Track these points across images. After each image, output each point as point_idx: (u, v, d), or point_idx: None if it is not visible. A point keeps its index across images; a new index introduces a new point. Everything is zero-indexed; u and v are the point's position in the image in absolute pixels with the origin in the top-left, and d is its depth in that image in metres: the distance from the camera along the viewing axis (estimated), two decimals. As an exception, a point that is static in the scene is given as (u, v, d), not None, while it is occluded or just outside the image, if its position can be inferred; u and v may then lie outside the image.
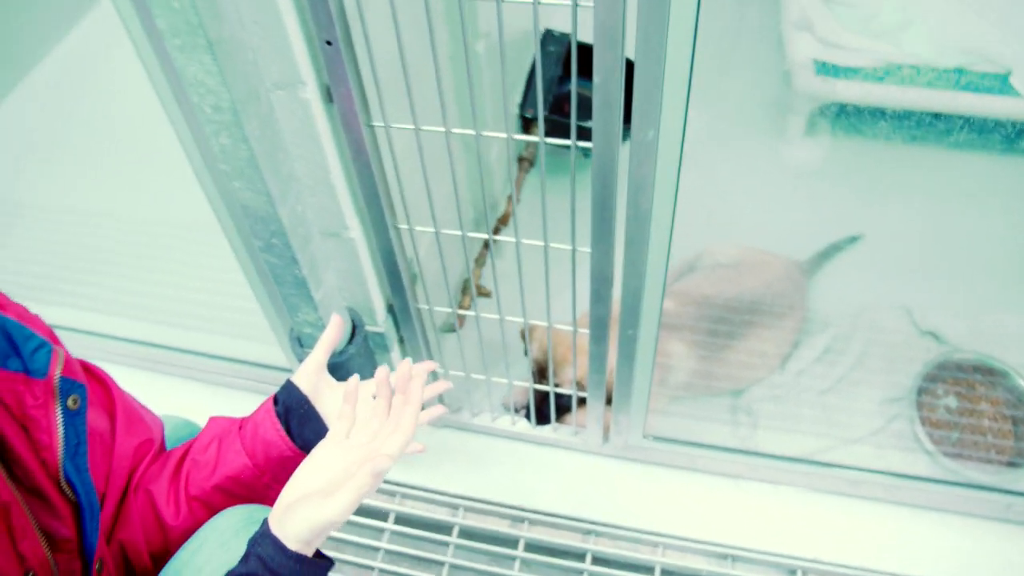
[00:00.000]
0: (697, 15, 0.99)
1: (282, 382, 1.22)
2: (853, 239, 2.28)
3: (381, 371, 1.16)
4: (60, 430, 0.98)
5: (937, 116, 2.46)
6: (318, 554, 1.00)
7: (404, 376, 1.18)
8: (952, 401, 1.93)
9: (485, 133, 1.24)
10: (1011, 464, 1.83)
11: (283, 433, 1.16)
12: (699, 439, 1.82)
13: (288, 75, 1.17)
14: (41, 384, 0.95)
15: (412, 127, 1.24)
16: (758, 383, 2.00)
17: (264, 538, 0.96)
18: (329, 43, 1.14)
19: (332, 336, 1.28)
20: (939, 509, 1.75)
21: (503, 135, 1.23)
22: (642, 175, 1.19)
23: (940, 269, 2.24)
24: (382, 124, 1.25)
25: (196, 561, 1.04)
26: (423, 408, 1.20)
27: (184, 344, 2.05)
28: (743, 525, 1.77)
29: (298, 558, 0.95)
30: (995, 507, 1.71)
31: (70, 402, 1.00)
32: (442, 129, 1.23)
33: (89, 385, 1.07)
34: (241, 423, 1.20)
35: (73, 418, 1.00)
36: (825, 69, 2.44)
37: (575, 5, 1.04)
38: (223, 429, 1.20)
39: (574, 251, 1.35)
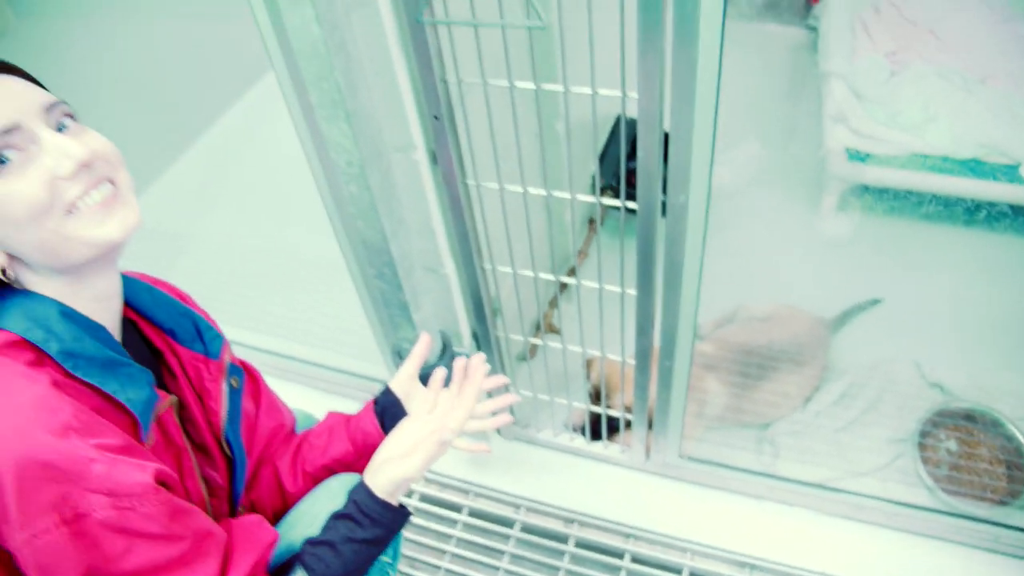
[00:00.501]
0: (716, 111, 1.13)
1: (380, 390, 1.39)
2: (874, 302, 2.34)
3: (458, 363, 1.32)
4: (225, 401, 1.15)
5: (953, 199, 2.53)
6: (400, 506, 1.16)
7: (468, 365, 1.33)
8: (952, 445, 1.97)
9: (555, 193, 1.40)
10: (1002, 503, 1.86)
11: (378, 427, 1.31)
12: (728, 462, 1.89)
13: (404, 141, 1.35)
14: (215, 364, 1.14)
15: (497, 186, 1.41)
16: (781, 419, 2.06)
17: (359, 488, 1.13)
18: (436, 118, 1.31)
19: (421, 351, 1.41)
20: (934, 537, 1.78)
21: (567, 195, 1.39)
22: (676, 231, 1.32)
23: (949, 331, 2.28)
24: (474, 183, 1.42)
25: (312, 510, 1.20)
26: (494, 415, 1.36)
27: (308, 357, 2.22)
28: (762, 538, 1.82)
29: (383, 503, 1.12)
30: (985, 537, 1.74)
31: (233, 382, 1.18)
32: (520, 189, 1.40)
33: (244, 375, 1.26)
34: (348, 418, 1.35)
35: (234, 394, 1.18)
36: (856, 156, 2.53)
37: (624, 96, 1.20)
38: (335, 421, 1.35)
39: (623, 294, 1.50)
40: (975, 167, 2.47)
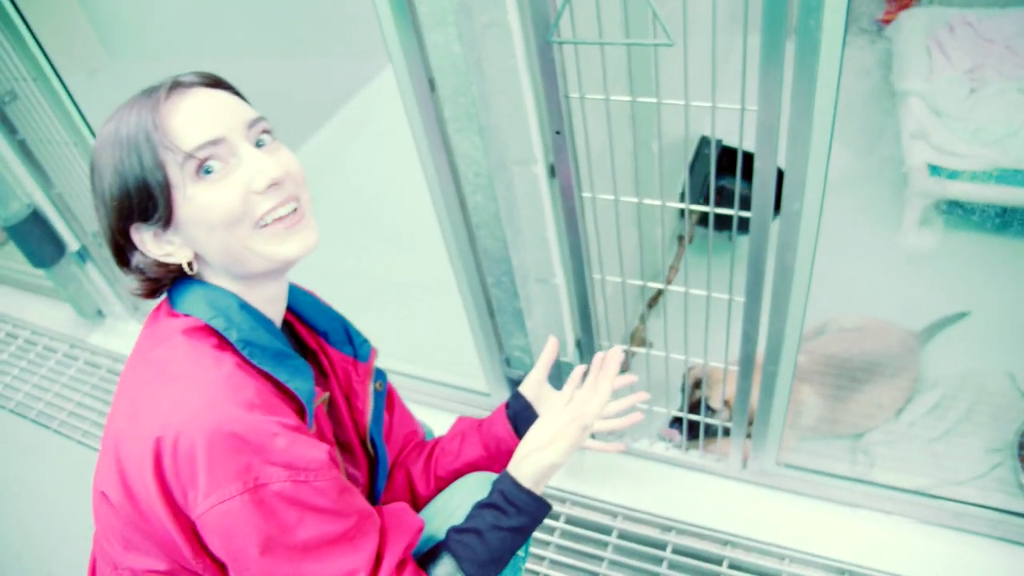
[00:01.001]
0: (833, 119, 1.19)
1: (482, 403, 1.43)
2: (961, 315, 2.35)
3: (596, 357, 1.36)
4: (371, 402, 1.22)
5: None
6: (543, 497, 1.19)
7: (605, 357, 1.35)
8: (1052, 454, 1.98)
9: (669, 204, 1.46)
10: (1104, 512, 1.86)
11: (511, 431, 1.34)
12: (824, 470, 1.92)
13: (526, 154, 1.42)
14: (363, 367, 1.21)
15: (612, 198, 1.48)
16: (875, 429, 2.08)
17: (505, 478, 1.17)
18: (558, 132, 1.38)
19: (550, 354, 1.41)
20: (1038, 546, 1.79)
21: (681, 205, 1.45)
22: (788, 238, 1.37)
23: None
24: (590, 195, 1.49)
25: (449, 505, 1.25)
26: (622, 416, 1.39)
27: (415, 372, 2.30)
28: (858, 546, 1.82)
29: (529, 492, 1.15)
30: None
31: (377, 385, 1.25)
32: (635, 199, 1.46)
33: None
34: (480, 423, 1.38)
35: (379, 397, 1.25)
36: (938, 171, 2.56)
37: (743, 109, 1.26)
38: (466, 427, 1.38)
39: (731, 300, 1.55)
40: (1060, 181, 2.48)
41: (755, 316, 1.54)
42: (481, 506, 1.16)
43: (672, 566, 1.88)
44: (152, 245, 0.96)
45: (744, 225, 1.37)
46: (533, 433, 1.22)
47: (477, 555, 1.11)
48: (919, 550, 1.82)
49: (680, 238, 2.37)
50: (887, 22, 3.29)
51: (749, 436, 1.85)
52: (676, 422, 1.98)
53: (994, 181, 2.52)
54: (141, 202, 0.91)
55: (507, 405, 1.39)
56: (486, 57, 1.27)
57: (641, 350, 1.83)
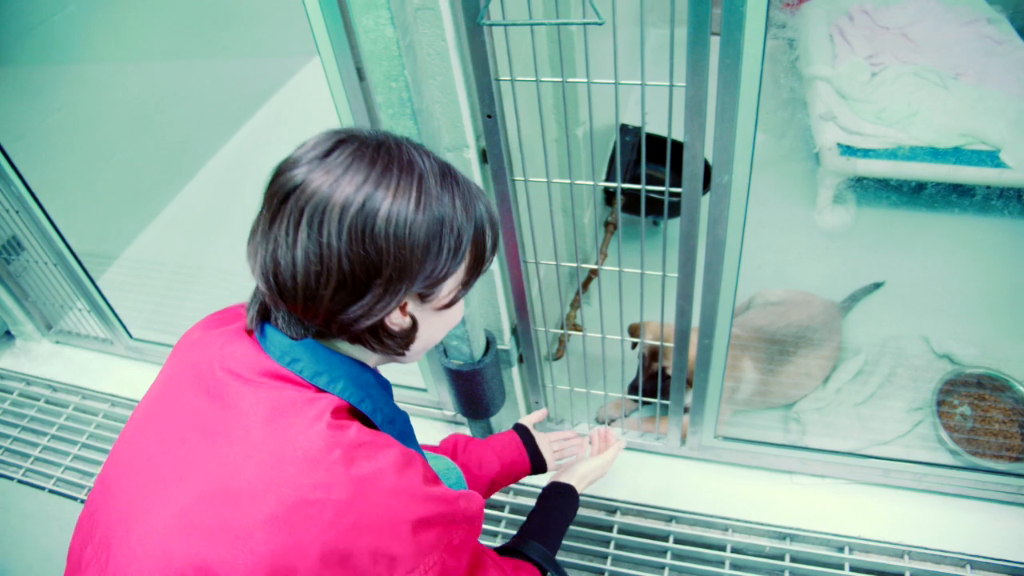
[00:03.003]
0: (759, 93, 1.23)
1: (419, 399, 1.54)
2: (877, 285, 2.45)
3: (597, 431, 1.74)
4: None
5: (941, 186, 2.66)
6: None
7: (603, 432, 1.74)
8: (967, 409, 2.07)
9: (600, 183, 1.48)
10: (1018, 459, 1.96)
11: (525, 453, 1.60)
12: (759, 438, 1.97)
13: (458, 140, 1.42)
14: None
15: (544, 180, 1.49)
16: (804, 398, 2.15)
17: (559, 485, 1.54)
18: (490, 116, 1.39)
19: (539, 416, 1.74)
20: (961, 495, 1.86)
21: (613, 184, 1.47)
22: (719, 210, 1.40)
23: (949, 306, 2.40)
24: (522, 178, 1.50)
25: None
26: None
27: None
28: (798, 510, 1.88)
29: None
30: (1009, 490, 1.81)
31: None
32: (567, 181, 1.48)
33: None
34: (490, 444, 1.58)
35: None
36: (846, 151, 2.66)
37: (671, 86, 1.28)
38: (477, 447, 1.56)
39: (664, 276, 1.57)
40: (958, 155, 2.60)
41: (688, 290, 1.57)
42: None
43: (619, 546, 1.91)
44: (399, 313, 0.93)
45: (672, 210, 1.40)
46: (585, 465, 1.63)
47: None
48: (853, 508, 1.88)
49: (607, 224, 2.40)
50: (793, 8, 3.41)
51: (686, 411, 1.89)
52: (632, 391, 2.00)
53: (898, 158, 2.63)
54: (436, 275, 0.91)
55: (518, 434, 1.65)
56: (418, 40, 1.27)
57: (577, 333, 1.84)
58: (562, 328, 2.25)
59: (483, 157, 1.47)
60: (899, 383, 2.15)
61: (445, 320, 1.00)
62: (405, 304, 0.92)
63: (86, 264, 2.39)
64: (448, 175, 0.91)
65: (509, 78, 1.34)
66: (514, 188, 1.51)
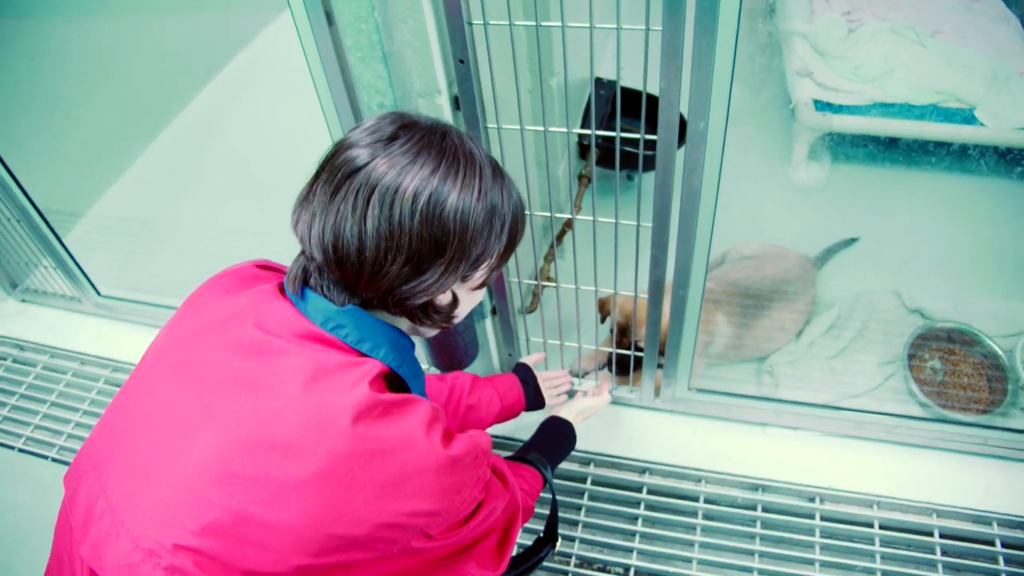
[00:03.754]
0: (736, 35, 1.21)
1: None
2: (852, 240, 2.46)
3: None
4: None
5: (917, 143, 2.67)
6: None
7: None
8: (937, 363, 2.10)
9: (575, 130, 1.47)
10: (985, 411, 1.99)
11: (522, 396, 1.71)
12: (733, 391, 1.99)
13: (430, 86, 1.40)
14: None
15: (518, 127, 1.47)
16: (778, 351, 2.16)
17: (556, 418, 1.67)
18: (462, 61, 1.37)
19: (538, 358, 1.88)
20: (930, 447, 1.89)
21: (587, 131, 1.46)
22: (694, 159, 1.39)
23: (922, 262, 2.42)
24: (495, 125, 1.48)
25: None
26: None
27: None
28: (770, 461, 1.91)
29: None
30: (976, 441, 1.85)
31: None
32: (541, 128, 1.46)
33: None
34: (493, 384, 1.67)
35: None
36: (823, 107, 2.66)
37: (647, 29, 1.27)
38: (480, 387, 1.65)
39: (638, 226, 1.57)
40: (934, 112, 2.61)
41: (664, 240, 1.56)
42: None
43: (592, 497, 1.92)
44: (446, 292, 1.01)
45: (647, 163, 1.39)
46: (582, 403, 1.78)
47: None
48: (825, 459, 1.91)
49: (581, 177, 2.39)
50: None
51: (660, 366, 1.90)
52: (606, 365, 2.00)
53: (874, 114, 2.63)
54: (483, 257, 0.99)
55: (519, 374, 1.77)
56: (387, -20, 1.24)
57: (551, 284, 1.84)
58: (536, 280, 2.25)
59: (455, 103, 1.45)
60: (871, 337, 2.17)
61: (475, 299, 1.09)
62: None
63: (52, 221, 2.34)
64: (496, 166, 1.01)
65: (482, 21, 1.32)
66: (487, 136, 1.49)
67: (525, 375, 1.79)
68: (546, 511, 1.48)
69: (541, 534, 1.47)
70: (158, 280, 2.67)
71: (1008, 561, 1.73)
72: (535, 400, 1.78)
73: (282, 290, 1.02)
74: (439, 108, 1.44)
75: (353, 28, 1.24)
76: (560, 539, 1.51)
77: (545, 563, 1.81)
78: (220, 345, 0.96)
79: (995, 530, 1.77)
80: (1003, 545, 1.75)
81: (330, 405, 0.88)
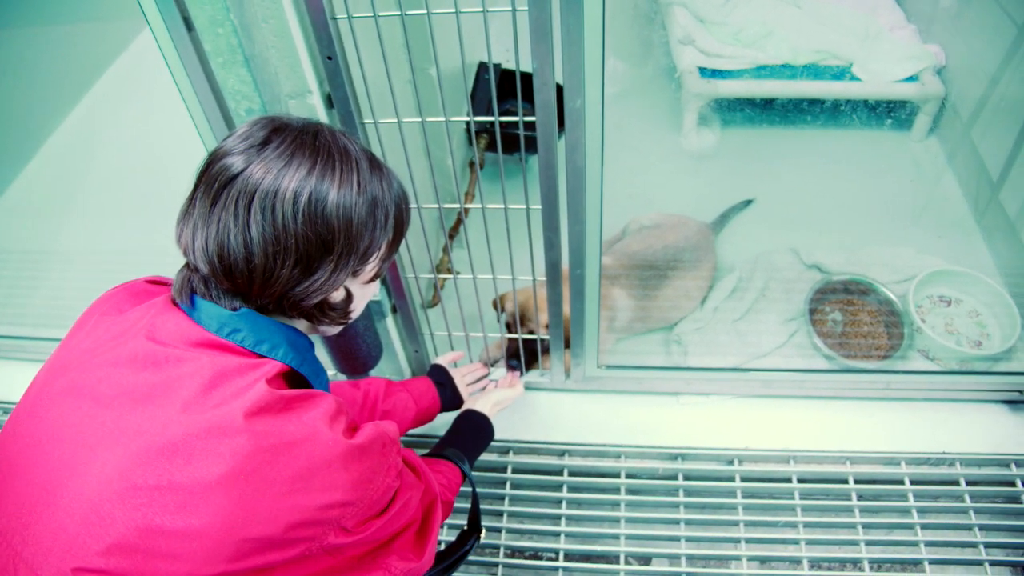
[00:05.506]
0: (603, 11, 1.22)
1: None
2: (747, 203, 2.52)
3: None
4: None
5: (798, 102, 2.75)
6: None
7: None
8: (837, 315, 2.17)
9: (453, 119, 1.46)
10: (886, 356, 2.07)
11: (437, 397, 1.74)
12: (642, 364, 2.02)
13: (299, 86, 1.37)
14: None
15: (395, 120, 1.45)
16: (684, 319, 2.21)
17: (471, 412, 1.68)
18: (330, 58, 1.34)
19: (455, 356, 1.90)
20: (836, 397, 1.97)
21: (464, 119, 1.45)
22: (575, 136, 1.40)
23: (815, 218, 2.50)
24: (372, 121, 1.46)
25: None
26: None
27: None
28: (686, 429, 1.94)
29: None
30: (879, 387, 1.93)
31: None
32: (418, 119, 1.45)
33: None
34: (406, 388, 1.69)
35: None
36: (707, 73, 2.71)
37: (514, 10, 1.26)
38: (394, 393, 1.67)
39: (528, 209, 1.57)
40: (814, 71, 2.69)
41: (554, 222, 1.56)
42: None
43: (515, 485, 1.93)
44: (339, 289, 1.03)
45: (530, 144, 1.39)
46: (496, 394, 1.79)
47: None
48: (739, 421, 1.96)
49: (471, 164, 2.38)
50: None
51: (567, 346, 1.91)
52: (514, 358, 2.01)
53: (758, 77, 2.70)
54: (370, 250, 1.01)
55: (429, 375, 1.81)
56: (241, -19, 1.20)
57: (448, 276, 1.83)
58: (434, 274, 2.24)
59: (328, 102, 1.42)
60: (773, 296, 2.23)
61: (368, 292, 1.11)
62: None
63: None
64: (373, 158, 1.02)
65: (346, 15, 1.29)
66: (365, 133, 1.47)
67: (440, 376, 1.81)
68: (468, 506, 1.47)
69: (464, 527, 1.48)
70: (43, 312, 2.56)
71: (917, 497, 1.82)
72: (452, 401, 1.79)
73: (174, 302, 1.01)
74: (312, 108, 1.41)
75: (210, 33, 1.20)
76: (485, 530, 1.52)
77: (472, 556, 1.81)
78: (112, 361, 0.94)
79: (903, 469, 1.85)
80: (911, 482, 1.84)
81: (229, 406, 0.88)
